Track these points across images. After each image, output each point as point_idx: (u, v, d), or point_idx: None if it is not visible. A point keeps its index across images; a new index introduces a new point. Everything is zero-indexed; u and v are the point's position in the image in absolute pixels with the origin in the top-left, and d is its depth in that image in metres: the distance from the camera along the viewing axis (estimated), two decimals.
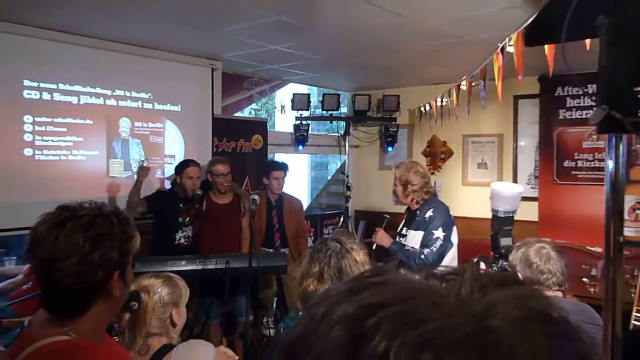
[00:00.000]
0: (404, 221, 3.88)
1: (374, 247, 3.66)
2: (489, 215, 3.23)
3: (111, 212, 1.40)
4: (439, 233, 3.53)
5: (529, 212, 6.17)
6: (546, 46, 3.08)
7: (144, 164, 4.84)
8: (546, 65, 3.32)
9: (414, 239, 3.63)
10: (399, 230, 3.85)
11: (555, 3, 1.10)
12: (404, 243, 3.67)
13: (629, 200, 5.43)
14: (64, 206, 1.38)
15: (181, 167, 4.78)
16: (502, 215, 3.09)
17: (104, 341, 1.45)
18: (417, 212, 3.69)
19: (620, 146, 1.03)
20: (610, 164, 1.07)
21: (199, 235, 4.82)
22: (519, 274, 2.35)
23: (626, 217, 5.40)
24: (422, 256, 3.48)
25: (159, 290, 2.04)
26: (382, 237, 3.70)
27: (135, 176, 4.78)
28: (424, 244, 3.54)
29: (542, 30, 1.23)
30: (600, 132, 0.98)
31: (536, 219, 6.17)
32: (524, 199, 6.23)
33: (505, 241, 3.01)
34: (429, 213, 3.61)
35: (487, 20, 3.88)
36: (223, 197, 4.89)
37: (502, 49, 3.58)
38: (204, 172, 4.92)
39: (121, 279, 1.39)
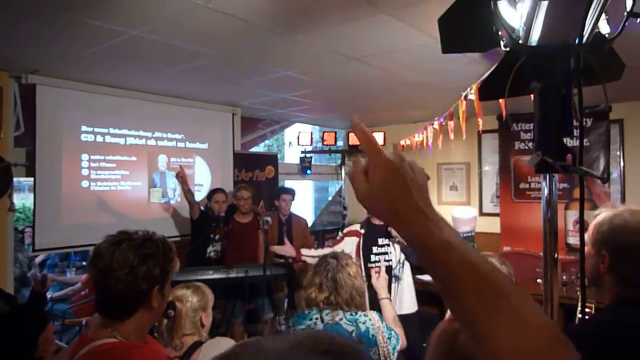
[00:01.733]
0: (372, 235, 3.72)
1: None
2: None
3: (159, 239, 1.43)
4: None
5: (492, 226, 6.18)
6: None
7: (178, 172, 4.67)
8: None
9: (395, 247, 3.61)
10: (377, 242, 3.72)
11: (501, 68, 1.15)
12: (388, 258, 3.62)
13: (573, 215, 5.42)
14: (123, 231, 1.42)
15: (211, 194, 4.90)
16: (462, 236, 3.12)
17: (146, 343, 1.46)
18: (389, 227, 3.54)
19: (553, 181, 1.07)
20: (546, 191, 1.10)
21: (226, 249, 4.83)
22: None
23: (571, 228, 5.38)
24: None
25: (190, 298, 2.03)
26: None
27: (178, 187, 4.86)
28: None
29: (491, 89, 1.26)
30: (537, 173, 1.01)
31: (499, 231, 6.15)
32: (489, 214, 6.32)
33: None
34: None
35: (453, 72, 3.93)
36: (245, 217, 4.90)
37: (465, 96, 3.63)
38: (231, 197, 4.95)
39: (160, 293, 1.41)
